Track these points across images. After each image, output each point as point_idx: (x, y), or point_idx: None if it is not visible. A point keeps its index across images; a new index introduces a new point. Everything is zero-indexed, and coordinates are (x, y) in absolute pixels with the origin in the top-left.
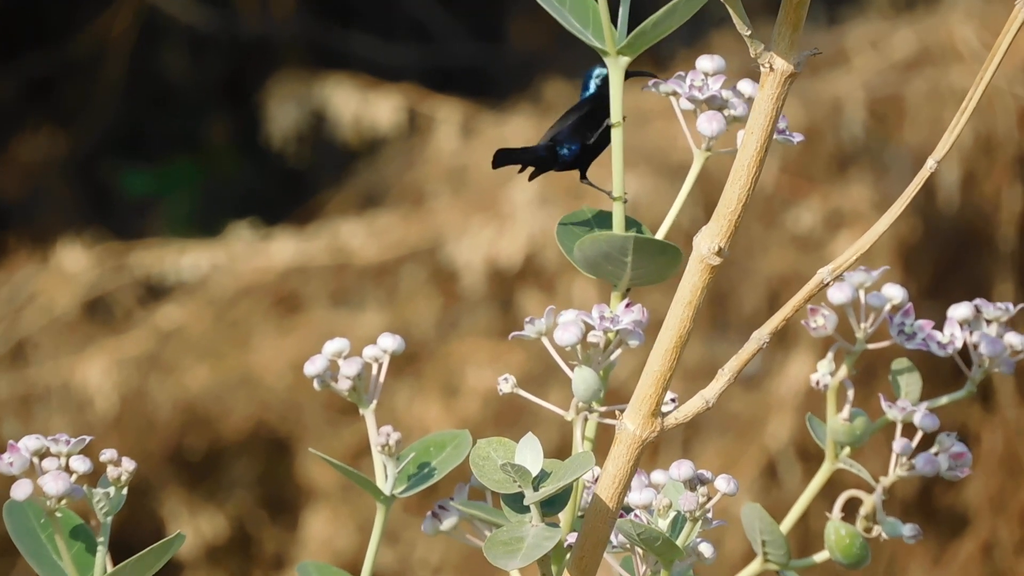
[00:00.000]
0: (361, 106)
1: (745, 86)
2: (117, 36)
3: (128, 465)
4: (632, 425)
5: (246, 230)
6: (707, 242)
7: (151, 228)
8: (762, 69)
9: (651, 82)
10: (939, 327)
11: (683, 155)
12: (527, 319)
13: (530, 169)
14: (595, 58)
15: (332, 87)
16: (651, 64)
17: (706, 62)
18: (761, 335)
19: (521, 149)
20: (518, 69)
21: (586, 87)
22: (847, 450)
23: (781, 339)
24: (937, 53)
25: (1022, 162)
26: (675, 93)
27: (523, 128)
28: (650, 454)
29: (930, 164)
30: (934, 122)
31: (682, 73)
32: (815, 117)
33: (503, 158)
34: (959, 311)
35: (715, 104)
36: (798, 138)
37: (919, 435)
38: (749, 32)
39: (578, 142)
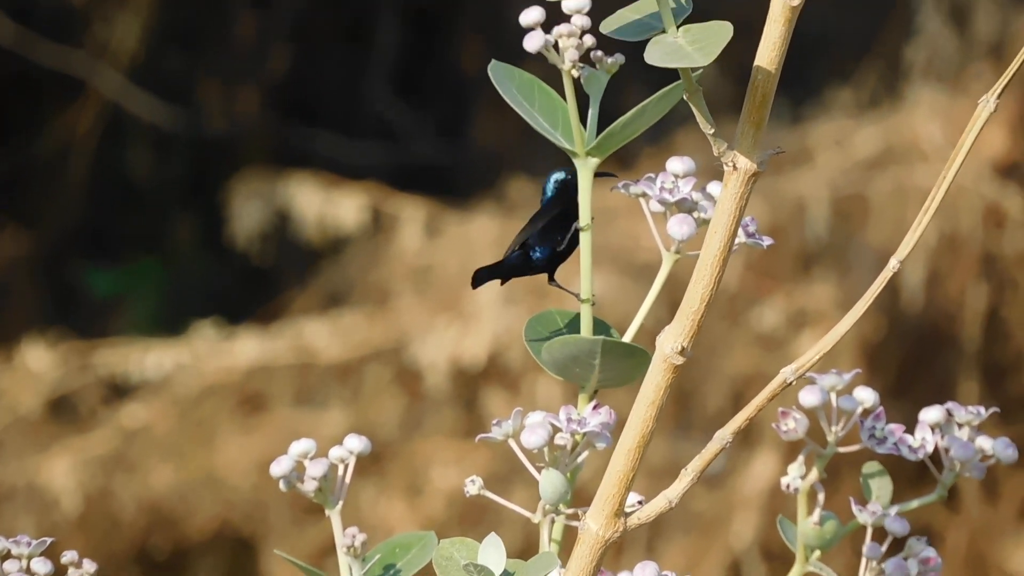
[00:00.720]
0: (325, 205)
1: (715, 189)
2: (81, 135)
3: (89, 567)
4: (595, 525)
5: (210, 329)
6: (670, 342)
7: (115, 327)
8: (725, 168)
9: (620, 184)
10: (906, 428)
11: (648, 255)
12: (494, 421)
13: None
14: (561, 158)
15: (296, 186)
16: (615, 163)
17: (676, 164)
18: (724, 435)
19: (496, 264)
20: (482, 168)
21: (545, 191)
22: (817, 553)
23: (745, 438)
24: (901, 151)
25: (987, 261)
26: (645, 195)
27: (487, 227)
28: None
29: (893, 264)
30: (898, 221)
31: (652, 175)
32: (779, 216)
33: (482, 277)
34: (931, 415)
35: (685, 207)
36: (767, 242)
37: (889, 539)
38: (713, 131)
39: (548, 246)
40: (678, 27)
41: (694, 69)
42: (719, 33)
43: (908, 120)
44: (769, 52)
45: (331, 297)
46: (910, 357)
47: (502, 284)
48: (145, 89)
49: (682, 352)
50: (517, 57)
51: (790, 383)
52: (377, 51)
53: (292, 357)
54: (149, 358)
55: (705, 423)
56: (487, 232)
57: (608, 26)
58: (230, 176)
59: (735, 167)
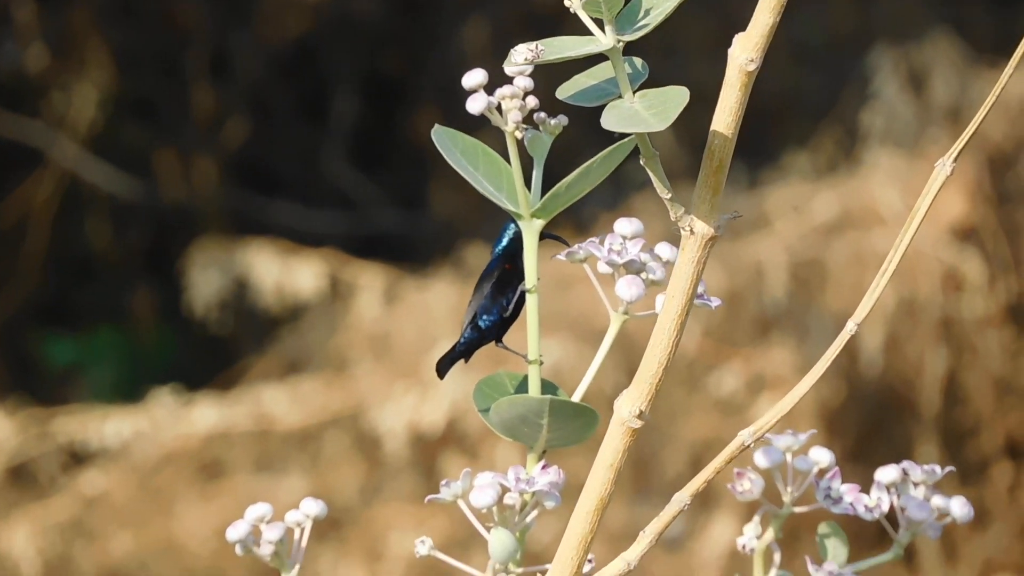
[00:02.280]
0: (283, 273)
1: (663, 250)
2: (39, 205)
3: None
4: None
5: (169, 397)
6: (628, 405)
7: (74, 395)
8: (682, 232)
9: (564, 252)
10: (864, 490)
11: (606, 321)
12: (443, 482)
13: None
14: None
15: (254, 254)
16: (572, 228)
17: (624, 225)
18: (683, 497)
19: (455, 349)
20: (440, 235)
21: (499, 240)
22: None
23: (703, 502)
24: (859, 216)
25: (946, 325)
26: (589, 259)
27: (446, 293)
28: None
29: (850, 327)
30: (856, 286)
31: (594, 239)
32: (737, 281)
33: (446, 365)
34: (886, 474)
35: (634, 268)
36: (716, 303)
37: None
38: (669, 195)
39: (496, 313)
40: (634, 92)
41: (651, 134)
42: (675, 98)
43: (865, 185)
44: (725, 117)
45: (290, 364)
46: (869, 421)
47: (466, 362)
48: (103, 159)
49: (640, 416)
50: (474, 125)
51: (748, 446)
52: (334, 121)
53: (251, 424)
54: (108, 426)
55: (664, 488)
56: (445, 299)
57: (564, 92)
58: (188, 245)
59: (692, 231)
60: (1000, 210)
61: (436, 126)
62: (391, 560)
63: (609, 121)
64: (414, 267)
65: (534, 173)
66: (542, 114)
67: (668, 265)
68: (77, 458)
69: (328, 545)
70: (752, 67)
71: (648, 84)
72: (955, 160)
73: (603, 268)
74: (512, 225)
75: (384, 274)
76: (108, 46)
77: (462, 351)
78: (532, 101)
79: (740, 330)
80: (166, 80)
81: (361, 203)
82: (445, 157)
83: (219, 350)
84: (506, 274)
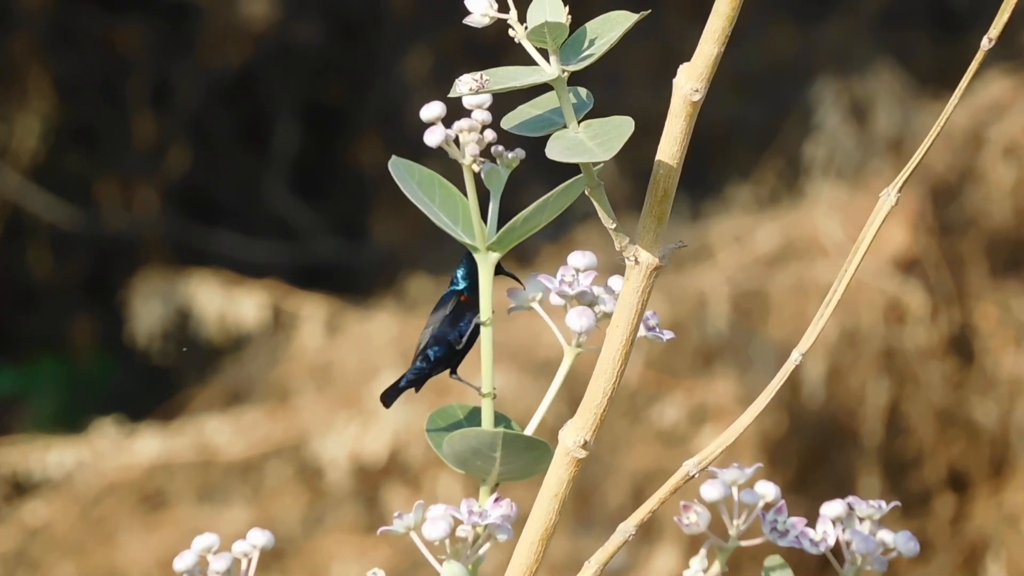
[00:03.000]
0: (225, 303)
1: (616, 282)
2: None
3: None
4: None
5: (111, 427)
6: (572, 435)
7: (16, 425)
8: (627, 262)
9: (512, 305)
10: (808, 523)
11: (548, 351)
12: (396, 514)
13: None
14: (461, 255)
15: (196, 284)
16: (514, 259)
17: (578, 258)
18: (627, 527)
19: (402, 380)
20: (382, 265)
21: (456, 282)
22: None
23: (646, 533)
24: (801, 247)
25: (888, 356)
26: (540, 298)
27: (388, 324)
28: None
29: (795, 357)
30: (799, 316)
31: (535, 274)
32: (679, 312)
33: (393, 395)
34: (832, 508)
35: (586, 300)
36: (668, 335)
37: None
38: (614, 225)
39: (446, 344)
40: (579, 122)
41: (595, 164)
42: (620, 128)
43: (808, 216)
44: (671, 147)
45: (232, 394)
46: (811, 452)
47: (416, 392)
48: (45, 188)
49: (584, 446)
50: (416, 154)
51: (693, 476)
52: (276, 150)
53: (193, 454)
54: (50, 456)
55: (606, 519)
56: (387, 330)
57: (509, 122)
58: (130, 275)
59: (637, 261)
60: (943, 241)
61: (393, 157)
62: None
63: (554, 151)
64: (356, 297)
65: (490, 206)
66: (499, 147)
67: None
68: (19, 488)
69: (271, 575)
70: (697, 97)
71: (592, 114)
72: (900, 190)
73: (555, 300)
74: (468, 257)
75: (326, 305)
76: (49, 75)
77: (411, 381)
78: (490, 135)
79: (682, 361)
80: (107, 108)
81: (303, 232)
82: (401, 188)
83: (161, 380)
84: (461, 306)
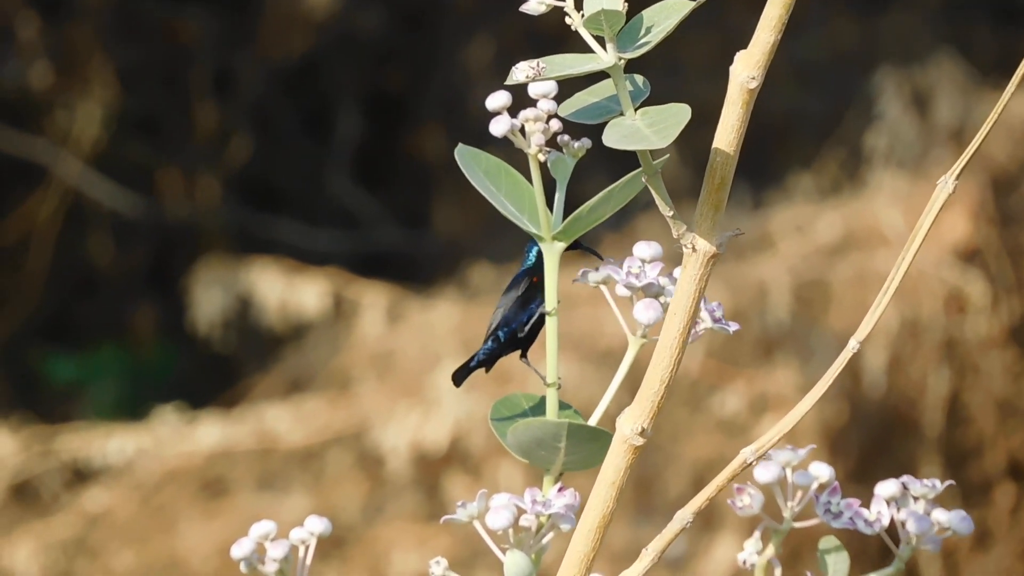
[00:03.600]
0: (287, 291)
1: (642, 248)
2: (42, 222)
3: None
4: None
5: (172, 415)
6: (630, 423)
7: (77, 413)
8: (684, 250)
9: (580, 273)
10: (866, 506)
11: (611, 341)
12: (459, 503)
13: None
14: (523, 244)
15: (258, 272)
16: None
17: (644, 248)
18: (684, 515)
19: (472, 360)
20: (444, 254)
21: (527, 258)
22: None
23: (706, 521)
24: (863, 237)
25: (949, 346)
26: (608, 281)
27: (449, 313)
28: None
29: (852, 345)
30: (860, 306)
31: (611, 259)
32: (740, 301)
33: (463, 374)
34: (886, 488)
35: (652, 291)
36: (734, 327)
37: None
38: (672, 213)
39: (514, 327)
40: (636, 110)
41: (653, 152)
42: (677, 115)
43: (869, 206)
44: (727, 134)
45: (293, 383)
46: (872, 442)
47: (487, 372)
48: (106, 176)
49: (642, 433)
50: (478, 143)
51: (750, 463)
52: (338, 139)
53: (254, 442)
54: (111, 443)
55: (667, 508)
56: (449, 318)
57: (566, 109)
58: (191, 263)
59: (694, 249)
60: (1004, 231)
61: (459, 145)
62: None
63: (611, 138)
64: (418, 286)
65: (556, 195)
66: (565, 136)
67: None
68: (80, 475)
69: (331, 564)
70: (753, 84)
71: (650, 102)
72: (957, 178)
73: (621, 291)
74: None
75: (388, 293)
76: (112, 63)
77: (481, 361)
78: (555, 124)
79: (743, 350)
80: (169, 97)
81: (364, 221)
82: (468, 177)
83: (222, 368)
84: (532, 287)
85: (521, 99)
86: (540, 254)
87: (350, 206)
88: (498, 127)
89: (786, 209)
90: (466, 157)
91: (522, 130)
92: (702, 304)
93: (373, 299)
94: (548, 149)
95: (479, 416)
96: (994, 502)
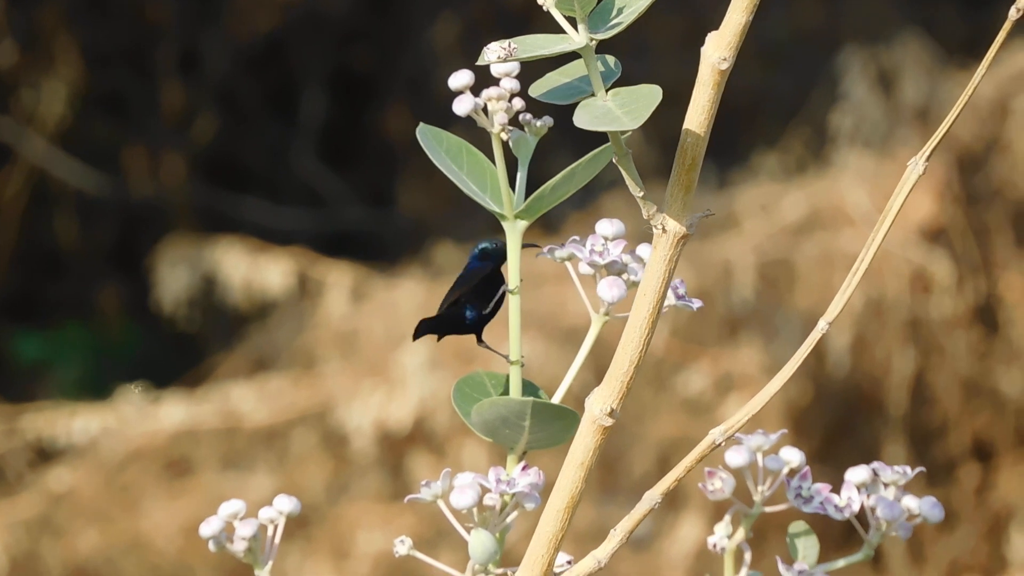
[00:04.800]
0: (252, 270)
1: (646, 251)
2: (7, 201)
3: None
4: None
5: (136, 394)
6: (599, 403)
7: (42, 392)
8: (655, 231)
9: (546, 248)
10: (833, 490)
11: (574, 319)
12: (423, 482)
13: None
14: (489, 224)
15: (222, 251)
16: (540, 227)
17: (606, 226)
18: (653, 495)
19: (436, 316)
20: (409, 233)
21: (470, 261)
22: None
23: (671, 501)
24: (828, 217)
25: (913, 326)
26: (572, 258)
27: (414, 291)
28: None
29: (822, 325)
30: (824, 286)
31: (577, 237)
32: (705, 280)
33: (422, 329)
34: (857, 474)
35: (615, 269)
36: (697, 304)
37: None
38: (642, 193)
39: (476, 308)
40: (607, 91)
41: (623, 132)
42: (648, 97)
43: (834, 185)
44: (698, 115)
45: (257, 362)
46: (836, 422)
47: (438, 340)
48: (72, 155)
49: (611, 414)
50: (444, 123)
51: (719, 444)
52: (303, 118)
53: (218, 421)
54: (76, 422)
55: (631, 487)
56: (413, 297)
57: (537, 89)
58: (157, 241)
59: (664, 230)
60: (969, 210)
61: (421, 124)
62: (358, 558)
63: (582, 119)
64: (382, 265)
65: (518, 174)
66: (528, 115)
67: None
68: (44, 455)
69: (295, 543)
70: (725, 66)
71: (619, 83)
72: (927, 159)
73: (584, 269)
74: (484, 243)
75: (352, 272)
76: (77, 42)
77: (442, 322)
78: (518, 103)
79: (708, 330)
80: (135, 76)
81: (330, 200)
82: (429, 156)
83: (186, 347)
84: (486, 276)
85: (486, 78)
86: (480, 254)
87: (315, 185)
88: (461, 106)
89: (751, 188)
90: (428, 136)
91: (485, 109)
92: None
93: (338, 278)
94: (511, 128)
95: (443, 395)
96: (959, 482)
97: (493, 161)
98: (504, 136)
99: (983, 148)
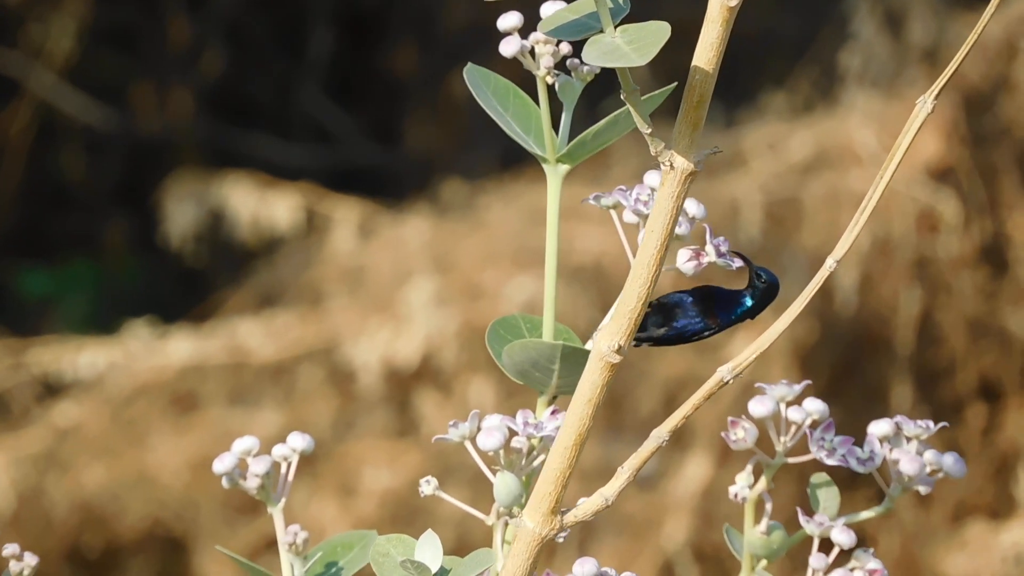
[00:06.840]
0: (259, 205)
1: (690, 206)
2: (14, 136)
3: (30, 560)
4: (532, 523)
5: (143, 329)
6: (607, 340)
7: (49, 326)
8: (662, 167)
9: (592, 195)
10: (840, 431)
11: (581, 257)
12: (451, 423)
13: None
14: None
15: (230, 186)
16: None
17: (654, 177)
18: (661, 433)
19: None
20: (416, 170)
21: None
22: (763, 563)
23: (676, 441)
24: (835, 156)
25: (920, 265)
26: (618, 206)
27: (421, 228)
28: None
29: (829, 263)
30: (831, 225)
31: (623, 187)
32: (712, 218)
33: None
34: (880, 428)
35: None
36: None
37: (836, 549)
38: (650, 130)
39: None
40: (616, 27)
41: (632, 69)
42: (656, 33)
43: (842, 125)
44: (707, 53)
45: (264, 297)
46: (843, 361)
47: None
48: (79, 90)
49: (619, 350)
50: (450, 61)
51: (727, 382)
52: (311, 54)
53: (225, 357)
54: (82, 357)
55: (637, 426)
56: (420, 233)
57: (546, 26)
58: (164, 177)
59: (672, 166)
60: (976, 150)
61: (469, 64)
62: (364, 495)
63: (591, 55)
64: (390, 201)
65: (563, 118)
66: (575, 60)
67: (691, 220)
68: (51, 389)
69: (301, 480)
70: (734, 3)
71: (628, 20)
72: (936, 98)
73: (629, 217)
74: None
75: (360, 208)
76: None
77: (654, 336)
78: (565, 47)
79: (714, 268)
80: (143, 11)
81: (337, 136)
82: (475, 96)
83: (194, 282)
84: (708, 319)
85: (534, 21)
86: (743, 312)
87: (323, 121)
88: (508, 48)
89: (759, 127)
90: (475, 77)
91: (532, 52)
92: (708, 237)
93: (345, 214)
94: (556, 72)
95: (450, 332)
96: (966, 422)
97: (538, 104)
98: (550, 80)
99: (991, 88)
